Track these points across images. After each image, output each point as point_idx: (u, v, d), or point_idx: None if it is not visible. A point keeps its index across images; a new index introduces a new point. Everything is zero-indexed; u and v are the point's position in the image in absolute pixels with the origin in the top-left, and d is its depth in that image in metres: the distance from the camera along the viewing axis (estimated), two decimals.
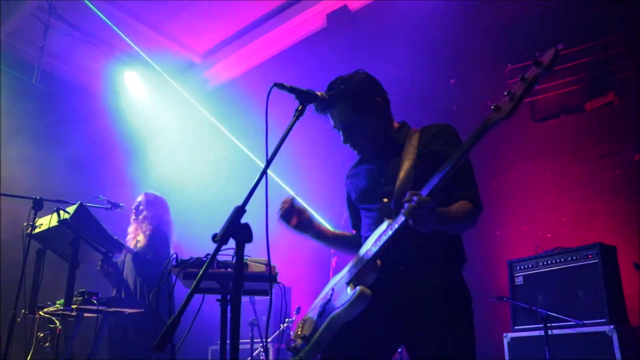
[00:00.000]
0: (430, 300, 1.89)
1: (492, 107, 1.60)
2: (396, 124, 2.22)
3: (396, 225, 1.80)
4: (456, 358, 1.84)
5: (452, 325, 1.87)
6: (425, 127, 2.14)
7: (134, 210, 4.90)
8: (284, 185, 5.66)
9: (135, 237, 4.83)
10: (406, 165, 2.00)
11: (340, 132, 2.14)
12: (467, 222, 1.93)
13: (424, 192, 1.69)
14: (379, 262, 1.88)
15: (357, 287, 1.86)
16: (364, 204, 2.18)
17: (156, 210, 4.89)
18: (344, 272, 2.05)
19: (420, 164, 1.98)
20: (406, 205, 1.68)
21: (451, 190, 1.92)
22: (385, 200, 2.04)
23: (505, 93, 1.58)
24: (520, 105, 1.57)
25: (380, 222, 1.96)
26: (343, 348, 1.98)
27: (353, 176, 2.29)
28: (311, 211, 2.36)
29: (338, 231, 2.36)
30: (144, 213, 4.86)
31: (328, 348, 2.00)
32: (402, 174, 1.98)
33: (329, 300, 2.02)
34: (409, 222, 1.69)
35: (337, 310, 1.91)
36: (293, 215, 2.11)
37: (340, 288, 1.99)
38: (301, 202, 2.27)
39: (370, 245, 1.93)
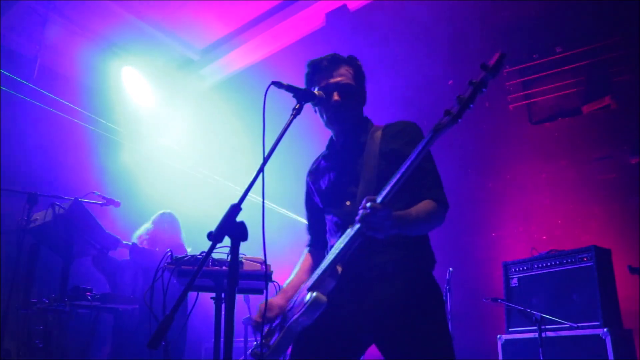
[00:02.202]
0: (398, 301, 1.87)
1: (444, 112, 1.64)
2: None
3: (352, 233, 1.78)
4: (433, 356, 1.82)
5: (423, 324, 1.85)
6: (388, 125, 2.10)
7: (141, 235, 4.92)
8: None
9: None
10: (369, 165, 1.97)
11: (335, 97, 2.05)
12: (431, 222, 1.91)
13: (378, 198, 1.68)
14: (339, 268, 1.84)
15: (313, 294, 1.83)
16: (328, 206, 2.14)
17: (169, 231, 4.92)
18: (310, 277, 2.00)
19: (383, 165, 1.94)
20: (360, 212, 1.67)
21: (414, 190, 1.90)
22: (348, 203, 2.00)
23: (456, 97, 1.62)
24: (469, 108, 1.61)
25: (344, 227, 1.91)
26: (311, 350, 1.95)
27: (314, 173, 2.25)
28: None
29: (299, 271, 2.26)
30: (151, 232, 4.88)
31: (295, 349, 1.97)
32: (364, 176, 1.95)
33: (292, 306, 1.99)
34: (363, 229, 1.69)
35: (295, 317, 1.89)
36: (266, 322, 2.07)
37: (303, 294, 1.95)
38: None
39: (331, 252, 1.90)
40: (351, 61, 2.16)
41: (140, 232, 4.91)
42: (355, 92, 2.10)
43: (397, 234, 1.75)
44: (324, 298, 1.82)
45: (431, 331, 1.85)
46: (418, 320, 1.85)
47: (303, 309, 1.85)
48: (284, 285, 2.20)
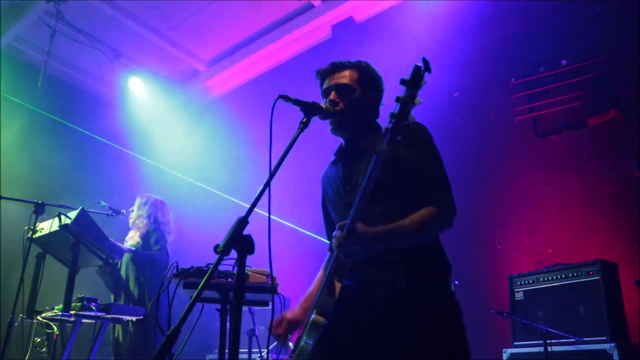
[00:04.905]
0: (411, 317, 1.84)
1: (384, 130, 1.62)
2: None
3: (332, 258, 1.81)
4: None
5: (438, 340, 1.83)
6: None
7: (131, 216, 4.98)
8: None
9: (132, 237, 4.88)
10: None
11: (331, 96, 2.05)
12: (430, 229, 1.86)
13: (345, 229, 1.69)
14: (337, 284, 1.80)
15: (312, 316, 1.82)
16: (334, 215, 2.13)
17: (151, 210, 4.95)
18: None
19: (384, 172, 1.74)
20: (332, 241, 1.70)
21: (415, 197, 1.88)
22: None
23: (389, 114, 1.60)
24: (400, 125, 1.57)
25: None
26: None
27: (325, 180, 2.23)
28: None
29: (318, 277, 2.27)
30: (138, 214, 4.94)
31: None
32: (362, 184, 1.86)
33: (306, 322, 1.96)
34: (340, 257, 1.74)
35: (301, 339, 1.88)
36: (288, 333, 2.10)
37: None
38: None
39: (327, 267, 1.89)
40: (357, 66, 2.14)
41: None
42: (355, 94, 2.07)
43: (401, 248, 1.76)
44: (321, 319, 1.80)
45: (446, 347, 1.83)
46: (432, 336, 1.82)
47: (304, 330, 1.86)
48: (306, 294, 2.21)
